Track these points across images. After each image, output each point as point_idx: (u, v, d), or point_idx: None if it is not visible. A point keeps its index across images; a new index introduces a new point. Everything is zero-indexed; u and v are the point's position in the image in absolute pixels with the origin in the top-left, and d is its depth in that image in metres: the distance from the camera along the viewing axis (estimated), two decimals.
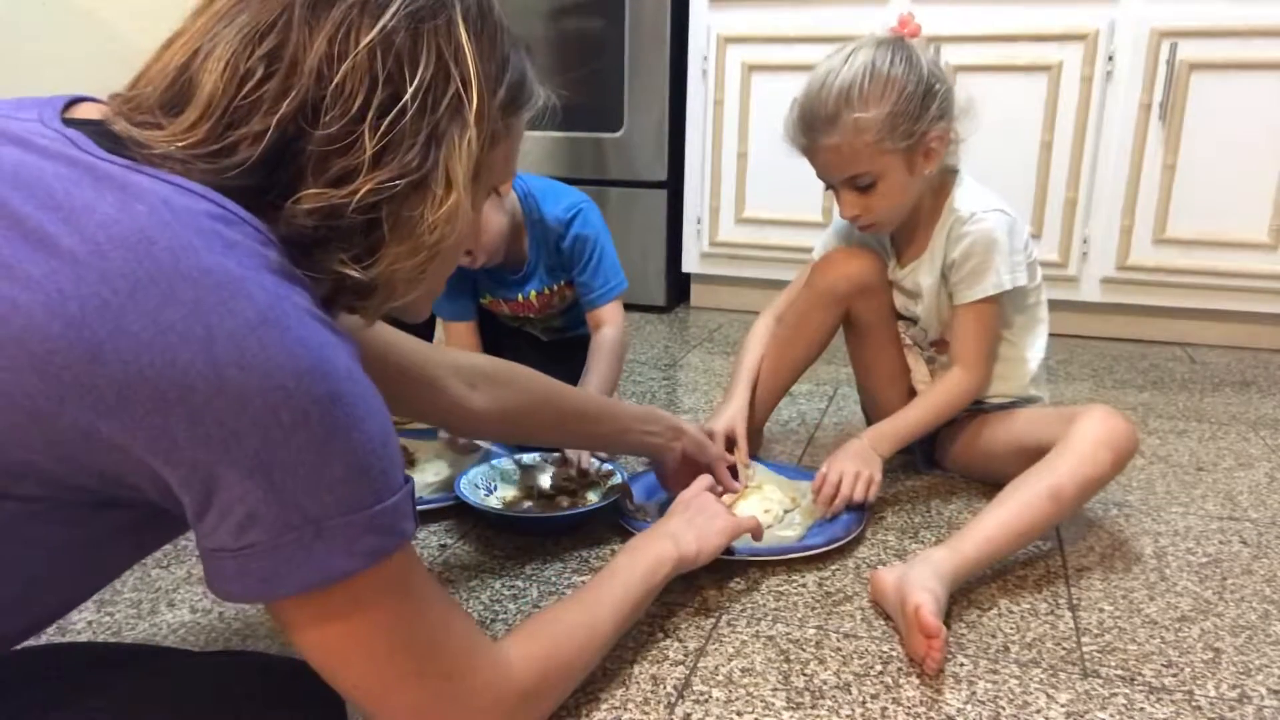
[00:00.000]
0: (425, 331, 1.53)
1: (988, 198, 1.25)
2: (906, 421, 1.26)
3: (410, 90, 0.56)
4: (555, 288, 1.48)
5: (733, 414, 1.34)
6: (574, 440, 1.20)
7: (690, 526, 0.98)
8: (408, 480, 0.60)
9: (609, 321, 1.47)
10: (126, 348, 0.48)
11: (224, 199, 0.53)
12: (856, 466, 1.19)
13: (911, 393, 1.36)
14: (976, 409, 1.32)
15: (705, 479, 1.11)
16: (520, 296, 1.49)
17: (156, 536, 0.63)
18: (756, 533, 1.08)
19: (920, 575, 0.95)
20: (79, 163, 0.52)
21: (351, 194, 0.55)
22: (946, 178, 1.27)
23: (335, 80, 0.55)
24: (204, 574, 0.55)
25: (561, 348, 1.58)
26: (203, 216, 0.51)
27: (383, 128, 0.55)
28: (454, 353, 1.14)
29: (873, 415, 1.50)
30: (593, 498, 1.21)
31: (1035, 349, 1.31)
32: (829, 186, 1.25)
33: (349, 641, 0.59)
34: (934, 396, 1.27)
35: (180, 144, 0.54)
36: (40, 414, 0.48)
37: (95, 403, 0.48)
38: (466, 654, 0.65)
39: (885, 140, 1.16)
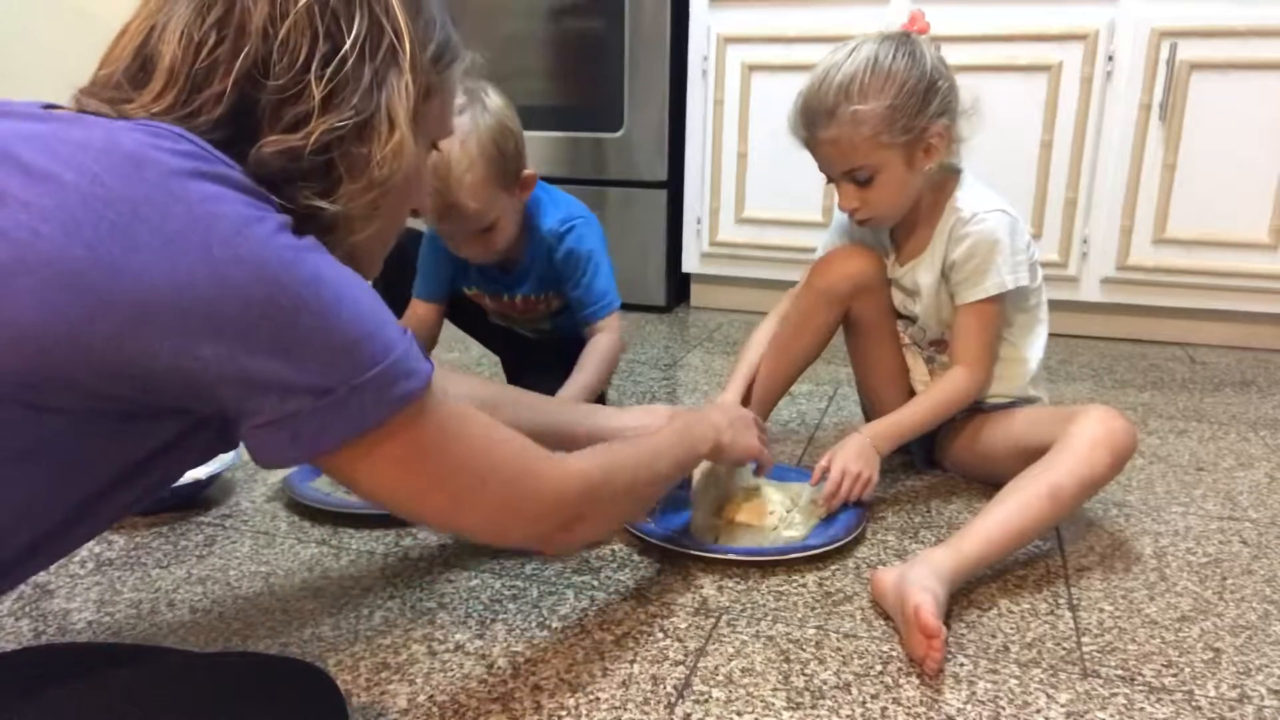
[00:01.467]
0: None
1: (990, 198, 1.25)
2: (906, 419, 1.26)
3: (349, 41, 0.62)
4: (543, 296, 1.49)
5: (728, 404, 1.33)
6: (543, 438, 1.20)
7: (730, 427, 1.09)
8: (406, 331, 0.65)
9: (605, 329, 1.47)
10: (139, 262, 0.53)
11: (196, 138, 0.59)
12: (858, 466, 1.19)
13: (911, 392, 1.36)
14: (975, 409, 1.31)
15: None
16: (506, 296, 1.50)
17: (186, 453, 0.67)
18: (766, 462, 1.18)
19: (920, 575, 0.95)
20: (63, 118, 0.59)
21: (307, 136, 0.61)
22: (948, 176, 1.27)
23: (280, 36, 0.61)
24: (255, 452, 0.61)
25: (549, 346, 1.59)
26: (181, 154, 0.57)
27: (327, 75, 0.62)
28: None
29: (872, 415, 1.49)
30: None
31: (1035, 349, 1.31)
32: (830, 179, 1.25)
33: (411, 474, 0.66)
34: (934, 395, 1.27)
35: (152, 111, 0.60)
36: (75, 329, 0.52)
37: (120, 316, 0.53)
38: (522, 458, 0.73)
39: (883, 134, 1.16)
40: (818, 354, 1.38)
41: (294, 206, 0.62)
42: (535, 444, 0.74)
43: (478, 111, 1.28)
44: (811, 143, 1.22)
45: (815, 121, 1.19)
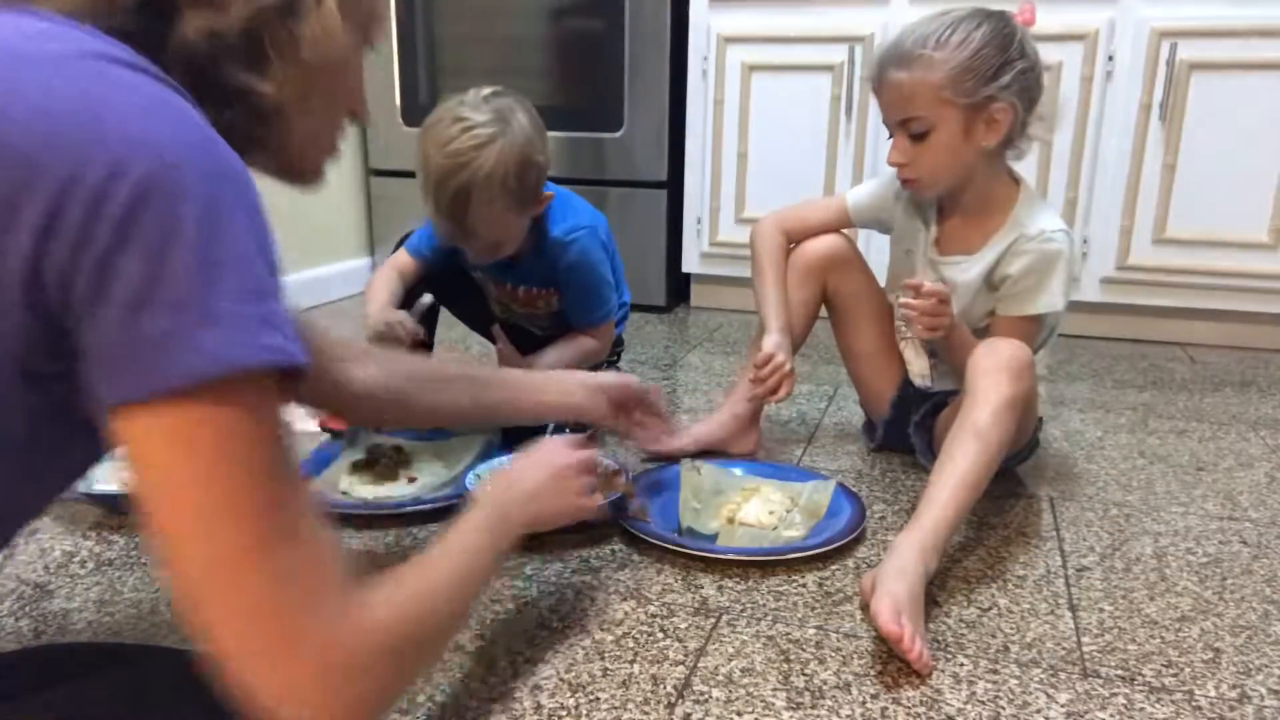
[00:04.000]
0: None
1: (1053, 216, 1.25)
2: (969, 340, 1.23)
3: None
4: (543, 292, 1.52)
5: (780, 340, 1.35)
6: (479, 412, 1.14)
7: (542, 493, 0.90)
8: (290, 312, 0.56)
9: (595, 335, 1.55)
10: (20, 106, 0.48)
11: (111, 37, 0.53)
12: (946, 305, 1.19)
13: (900, 374, 1.38)
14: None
15: (573, 440, 1.00)
16: (510, 285, 1.53)
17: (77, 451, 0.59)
18: (595, 515, 1.00)
19: (883, 577, 0.95)
20: None
21: (229, 10, 0.57)
22: (1012, 185, 1.27)
23: None
24: (97, 383, 0.50)
25: (550, 342, 1.60)
26: (101, 39, 0.52)
27: None
28: (344, 339, 1.09)
29: (866, 403, 1.50)
30: (598, 497, 1.21)
31: (1041, 355, 1.30)
32: (889, 130, 1.24)
33: (215, 471, 0.51)
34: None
35: (66, 11, 0.54)
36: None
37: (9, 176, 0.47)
38: (322, 558, 0.56)
39: (948, 89, 1.16)
40: (807, 330, 1.45)
41: (228, 88, 0.58)
42: (347, 570, 0.59)
43: (505, 142, 1.28)
44: (879, 82, 1.22)
45: (889, 60, 1.19)
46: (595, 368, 1.58)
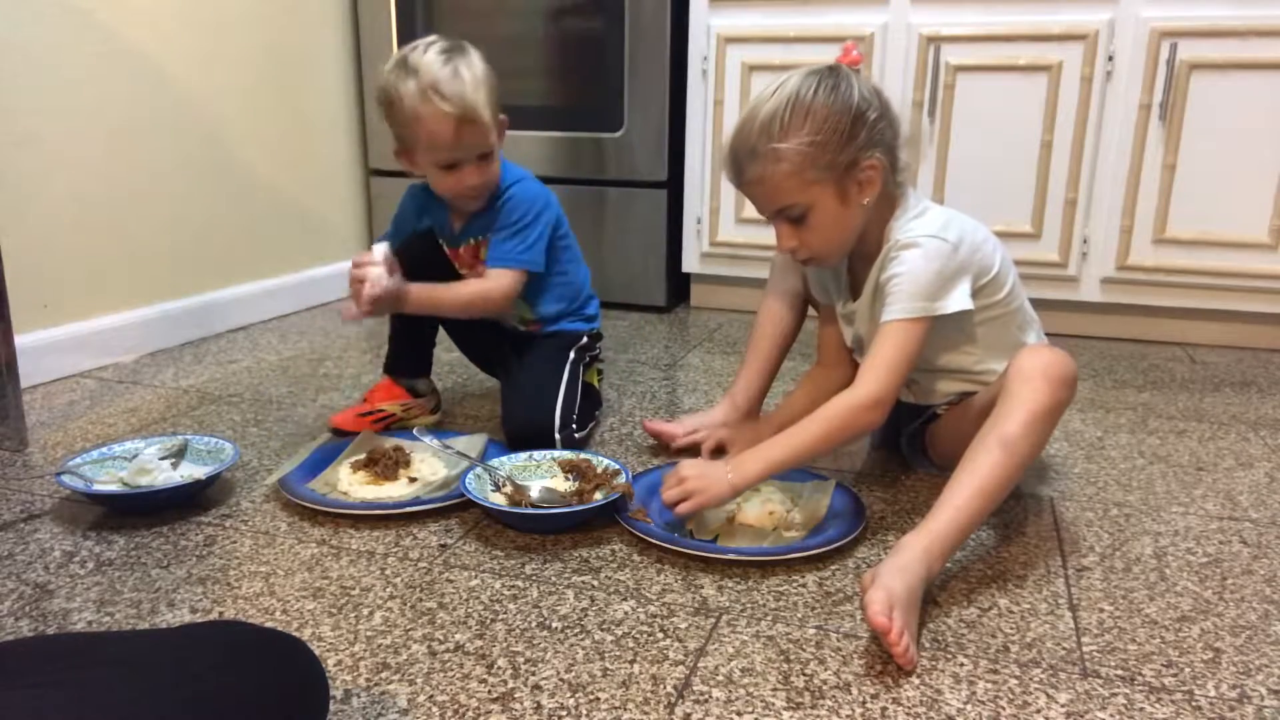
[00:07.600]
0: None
1: (931, 222, 1.19)
2: (779, 449, 1.14)
3: None
4: (482, 240, 1.51)
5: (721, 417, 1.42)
6: None
7: None
8: None
9: (496, 279, 1.47)
10: None
11: None
12: (691, 484, 1.13)
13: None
14: (956, 400, 1.31)
15: None
16: (459, 247, 1.53)
17: None
18: None
19: (883, 572, 0.95)
20: None
21: None
22: (892, 207, 1.22)
23: None
24: None
25: (528, 339, 1.60)
26: None
27: None
28: None
29: None
30: (598, 497, 1.22)
31: (1004, 359, 1.24)
32: (767, 219, 1.22)
33: None
34: (821, 419, 1.14)
35: None
36: None
37: None
38: None
39: (808, 171, 1.12)
40: (786, 350, 1.45)
41: None
42: None
43: (473, 57, 1.39)
44: (740, 185, 1.19)
45: (741, 163, 1.16)
46: (582, 362, 1.56)
